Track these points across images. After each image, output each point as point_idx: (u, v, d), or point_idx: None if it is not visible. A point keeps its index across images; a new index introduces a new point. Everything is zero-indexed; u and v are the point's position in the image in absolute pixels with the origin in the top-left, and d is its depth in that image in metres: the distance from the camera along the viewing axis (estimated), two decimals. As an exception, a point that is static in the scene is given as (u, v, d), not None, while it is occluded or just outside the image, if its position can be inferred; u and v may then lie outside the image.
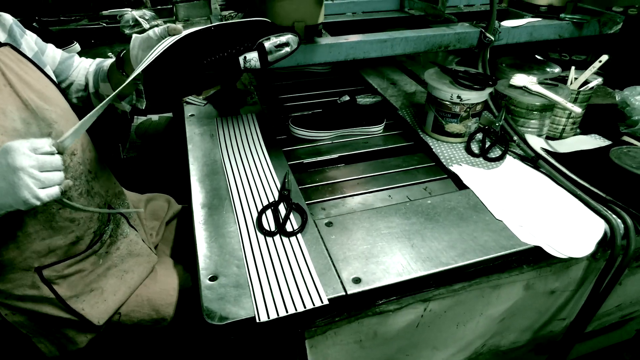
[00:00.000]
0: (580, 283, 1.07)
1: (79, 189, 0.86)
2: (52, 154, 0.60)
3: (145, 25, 1.96)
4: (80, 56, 1.75)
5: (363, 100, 1.32)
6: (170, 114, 1.99)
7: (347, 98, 1.32)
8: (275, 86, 1.71)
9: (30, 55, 0.83)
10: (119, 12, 2.08)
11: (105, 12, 2.11)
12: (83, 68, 0.98)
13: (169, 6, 2.31)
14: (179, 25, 0.79)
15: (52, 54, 0.93)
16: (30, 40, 0.86)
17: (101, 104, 0.68)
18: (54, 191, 0.60)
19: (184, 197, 1.16)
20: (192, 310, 1.00)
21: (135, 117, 1.92)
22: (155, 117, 1.90)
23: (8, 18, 0.83)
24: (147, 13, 2.01)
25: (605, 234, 0.93)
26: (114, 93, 0.72)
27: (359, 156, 1.28)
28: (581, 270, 1.04)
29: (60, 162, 0.61)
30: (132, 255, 0.98)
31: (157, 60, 0.75)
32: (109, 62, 0.96)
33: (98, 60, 1.01)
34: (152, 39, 0.79)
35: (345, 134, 1.36)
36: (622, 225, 0.93)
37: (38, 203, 0.59)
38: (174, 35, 0.78)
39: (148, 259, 1.01)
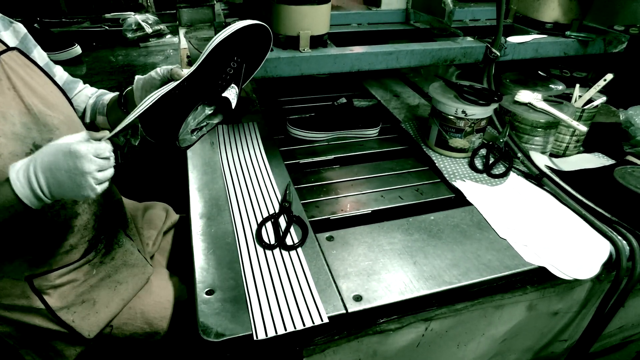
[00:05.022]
0: (583, 304, 1.05)
1: None
2: (109, 158, 0.68)
3: (148, 30, 1.96)
4: (82, 59, 1.74)
5: (359, 103, 1.33)
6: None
7: (344, 100, 1.32)
8: (274, 88, 1.71)
9: (41, 64, 0.84)
10: (122, 15, 2.07)
11: (108, 15, 2.10)
12: (85, 95, 0.99)
13: (173, 11, 2.31)
14: (182, 71, 0.79)
15: (59, 73, 0.94)
16: (42, 53, 0.89)
17: (131, 114, 0.70)
18: (106, 185, 0.69)
19: (183, 206, 1.14)
20: (186, 325, 0.98)
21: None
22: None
23: (22, 28, 0.85)
24: (150, 17, 2.01)
25: (610, 255, 0.91)
26: (131, 116, 0.71)
27: (354, 158, 1.28)
28: (585, 292, 1.02)
29: (113, 161, 0.70)
30: (126, 265, 0.95)
31: (154, 105, 0.73)
32: (109, 96, 0.97)
33: (99, 91, 1.02)
34: (155, 80, 0.81)
35: (341, 136, 1.37)
36: (627, 247, 0.92)
37: (94, 196, 0.68)
38: (177, 79, 0.77)
39: (143, 270, 0.98)
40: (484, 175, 1.16)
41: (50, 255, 0.83)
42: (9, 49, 0.78)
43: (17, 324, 0.85)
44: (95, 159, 0.65)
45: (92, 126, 0.99)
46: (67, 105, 0.85)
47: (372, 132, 1.38)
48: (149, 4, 2.33)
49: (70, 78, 0.98)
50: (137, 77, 0.85)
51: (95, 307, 0.89)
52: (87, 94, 0.99)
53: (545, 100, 1.22)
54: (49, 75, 0.83)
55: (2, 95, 0.73)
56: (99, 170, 0.66)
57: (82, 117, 0.98)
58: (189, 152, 1.19)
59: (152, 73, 0.82)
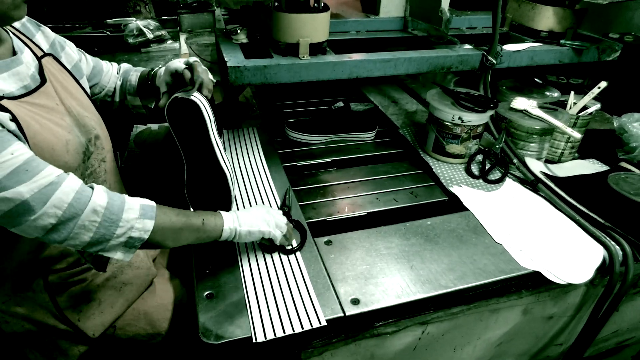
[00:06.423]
0: (577, 309, 1.06)
1: None
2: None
3: (149, 35, 1.97)
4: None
5: (356, 107, 1.35)
6: (170, 124, 1.98)
7: (341, 104, 1.34)
8: (273, 93, 1.73)
9: (69, 67, 0.88)
10: (123, 21, 2.09)
11: (109, 21, 2.11)
12: (113, 75, 1.04)
13: (174, 17, 2.33)
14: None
15: (86, 59, 0.99)
16: (70, 53, 0.92)
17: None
18: None
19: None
20: (186, 327, 0.99)
21: (134, 125, 1.91)
22: (154, 127, 1.88)
23: (50, 32, 0.89)
24: (152, 23, 2.02)
25: (603, 260, 0.93)
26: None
27: (351, 161, 1.31)
28: (579, 296, 1.03)
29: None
30: (132, 267, 0.96)
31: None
32: (135, 76, 1.03)
33: (122, 69, 1.06)
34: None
35: (339, 139, 1.39)
36: (620, 252, 0.93)
37: None
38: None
39: (147, 272, 0.99)
40: (480, 180, 1.18)
41: (67, 254, 0.85)
42: (45, 54, 0.82)
43: (25, 320, 0.86)
44: (281, 233, 0.86)
45: (121, 105, 1.04)
46: (94, 108, 0.89)
47: (369, 136, 1.40)
48: (147, 9, 2.35)
49: (95, 59, 1.01)
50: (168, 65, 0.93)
51: (101, 307, 0.90)
52: (114, 73, 1.04)
53: (540, 107, 1.24)
54: (77, 80, 0.87)
55: (52, 98, 0.77)
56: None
57: (112, 96, 1.04)
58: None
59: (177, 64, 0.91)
